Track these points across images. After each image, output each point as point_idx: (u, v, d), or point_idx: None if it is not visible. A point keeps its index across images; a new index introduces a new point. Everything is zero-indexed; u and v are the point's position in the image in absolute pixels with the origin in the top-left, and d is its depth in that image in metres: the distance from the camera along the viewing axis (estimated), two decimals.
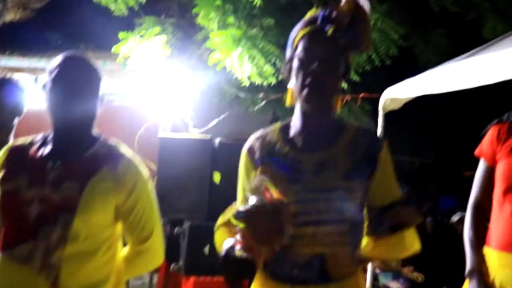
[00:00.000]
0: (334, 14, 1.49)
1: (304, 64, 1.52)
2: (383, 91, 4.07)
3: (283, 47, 5.66)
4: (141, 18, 5.21)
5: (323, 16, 1.51)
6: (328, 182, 1.53)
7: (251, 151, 1.65)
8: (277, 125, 1.67)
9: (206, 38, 4.91)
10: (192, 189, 4.92)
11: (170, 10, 5.95)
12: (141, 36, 4.89)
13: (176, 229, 5.12)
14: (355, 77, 4.74)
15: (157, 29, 4.98)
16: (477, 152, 2.10)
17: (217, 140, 5.04)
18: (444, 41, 6.15)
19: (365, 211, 1.60)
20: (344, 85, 4.61)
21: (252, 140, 1.67)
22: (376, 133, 1.77)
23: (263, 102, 6.02)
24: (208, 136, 5.20)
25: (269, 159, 1.59)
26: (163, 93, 5.47)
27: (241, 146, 5.82)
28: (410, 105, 4.07)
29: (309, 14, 1.59)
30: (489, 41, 4.82)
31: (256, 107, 6.01)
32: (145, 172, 1.82)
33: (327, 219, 1.51)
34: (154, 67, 4.97)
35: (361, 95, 4.70)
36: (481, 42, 4.92)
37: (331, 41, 1.50)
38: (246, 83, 4.74)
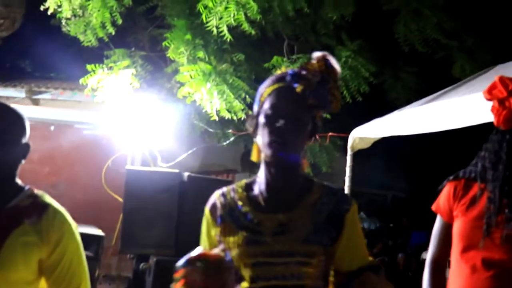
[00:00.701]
0: (303, 72, 1.48)
1: (270, 121, 1.47)
2: (355, 127, 4.13)
3: (253, 82, 5.75)
4: (111, 50, 5.21)
5: (293, 74, 1.49)
6: (288, 245, 1.47)
7: (213, 208, 1.60)
8: (243, 181, 1.64)
9: (176, 71, 4.93)
10: (159, 224, 4.85)
11: (140, 43, 5.98)
12: (110, 68, 4.88)
13: (141, 265, 5.01)
14: (326, 115, 4.78)
15: (127, 62, 4.99)
16: (434, 207, 2.11)
17: (185, 174, 5.01)
18: (414, 79, 6.31)
19: (331, 276, 1.55)
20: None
21: (215, 196, 1.62)
22: (344, 193, 1.67)
23: (233, 137, 6.04)
24: (176, 170, 5.17)
25: (230, 218, 1.55)
26: (132, 125, 5.44)
27: (211, 180, 5.84)
28: (383, 139, 4.15)
29: (278, 72, 1.59)
30: (458, 79, 4.98)
31: (227, 142, 6.01)
32: (72, 223, 1.71)
33: (287, 285, 1.47)
34: (123, 99, 4.94)
35: (329, 134, 4.76)
36: (450, 80, 5.08)
37: (300, 99, 1.47)
38: (215, 117, 4.75)
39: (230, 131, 5.78)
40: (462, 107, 3.04)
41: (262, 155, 1.53)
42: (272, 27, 5.33)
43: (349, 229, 1.53)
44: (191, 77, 4.67)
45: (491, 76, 4.27)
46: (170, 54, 4.76)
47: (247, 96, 4.90)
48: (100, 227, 5.18)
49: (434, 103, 3.52)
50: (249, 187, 1.60)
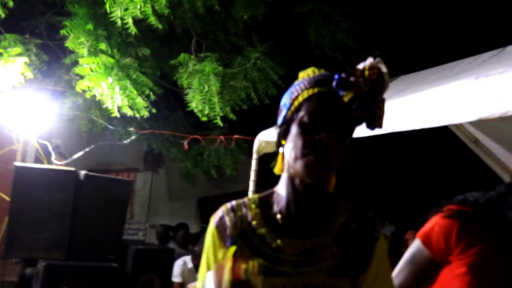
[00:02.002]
0: (352, 78, 1.29)
1: (308, 131, 1.28)
2: (261, 130, 4.12)
3: (158, 79, 5.58)
4: (1, 35, 4.82)
5: (340, 79, 1.29)
6: (313, 278, 1.30)
7: (221, 225, 1.39)
8: (255, 196, 1.44)
9: (75, 63, 4.67)
10: (51, 226, 4.62)
11: (36, 30, 5.61)
12: None
13: (28, 270, 4.71)
14: (231, 116, 4.77)
15: (19, 49, 4.64)
16: (421, 238, 1.87)
17: (82, 172, 4.79)
18: None
19: None
20: (220, 123, 4.69)
21: (222, 211, 1.42)
22: (372, 218, 1.44)
23: (134, 135, 5.84)
24: (72, 168, 4.92)
25: (242, 241, 1.35)
26: (24, 117, 5.08)
27: (110, 179, 5.55)
28: None
29: (311, 72, 1.39)
30: None
31: (128, 140, 5.80)
32: None
33: None
34: (13, 89, 4.59)
35: (235, 136, 4.74)
36: None
37: (345, 108, 1.28)
38: (117, 114, 4.55)
39: (132, 129, 5.58)
40: None
41: (287, 168, 1.34)
42: (181, 23, 5.23)
43: (378, 260, 1.37)
44: (91, 70, 4.45)
45: (396, 85, 4.49)
46: (69, 44, 4.50)
47: (151, 93, 4.75)
48: None
49: None
50: (264, 204, 1.41)
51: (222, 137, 4.95)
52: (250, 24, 5.47)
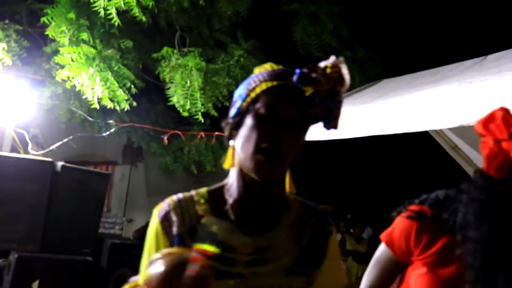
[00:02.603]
0: (314, 74, 1.23)
1: (263, 123, 1.21)
2: None
3: (140, 72, 5.53)
4: None
5: (301, 74, 1.24)
6: (267, 279, 1.24)
7: (166, 220, 1.29)
8: (203, 190, 1.35)
9: (56, 52, 4.60)
10: (25, 217, 4.55)
11: (17, 16, 5.51)
12: None
13: (0, 261, 4.64)
14: (213, 112, 4.75)
15: None
16: (384, 239, 1.86)
17: (59, 163, 4.72)
18: None
19: None
20: (201, 118, 4.67)
21: (168, 204, 1.32)
22: (324, 211, 1.41)
23: (114, 128, 5.78)
24: (49, 159, 4.85)
25: (191, 238, 1.26)
26: (1, 105, 4.99)
27: (87, 171, 5.47)
28: None
29: (269, 67, 1.32)
30: (349, 89, 5.19)
31: (108, 132, 5.74)
32: None
33: None
34: None
35: (216, 133, 4.71)
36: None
37: (304, 104, 1.23)
38: (96, 106, 4.50)
39: (112, 121, 5.52)
40: (348, 118, 3.13)
41: (238, 162, 1.26)
42: (165, 16, 5.20)
43: (331, 254, 1.35)
44: (72, 60, 4.39)
45: (379, 88, 4.52)
46: (49, 32, 4.43)
47: (132, 86, 4.71)
48: None
49: None
50: (214, 199, 1.32)
51: (202, 133, 4.92)
52: (235, 21, 5.47)
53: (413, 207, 1.78)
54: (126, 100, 4.64)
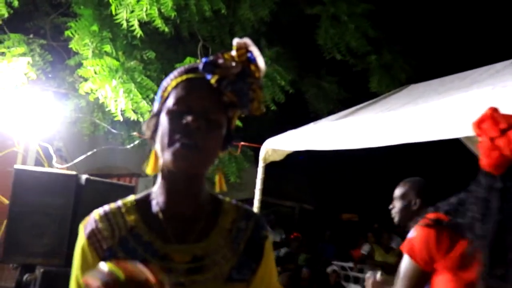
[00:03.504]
0: (220, 60, 1.21)
1: (174, 117, 1.20)
2: (268, 137, 4.08)
3: None
4: (5, 34, 4.83)
5: (206, 62, 1.22)
6: (207, 287, 1.23)
7: (93, 236, 1.25)
8: (131, 199, 1.32)
9: (79, 64, 4.67)
10: (50, 230, 4.58)
11: (41, 30, 5.62)
12: (2, 54, 4.52)
13: (26, 276, 4.68)
14: (237, 122, 4.73)
15: (22, 48, 4.65)
16: (406, 251, 1.89)
17: (83, 177, 4.76)
18: (335, 88, 6.43)
19: None
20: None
21: (94, 219, 1.27)
22: (259, 215, 1.40)
23: (138, 140, 5.83)
24: (73, 172, 4.90)
25: (124, 251, 1.22)
26: (26, 119, 5.08)
27: (111, 184, 5.52)
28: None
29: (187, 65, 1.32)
30: (375, 93, 5.15)
31: (131, 144, 5.79)
32: None
33: None
34: (16, 89, 4.60)
35: (241, 143, 4.69)
36: (369, 92, 5.24)
37: (214, 92, 1.21)
38: (120, 118, 4.54)
39: (135, 133, 5.56)
40: (375, 126, 3.09)
41: (161, 165, 1.24)
42: (187, 26, 5.23)
43: (267, 259, 1.34)
44: (95, 72, 4.45)
45: (407, 94, 4.47)
46: (73, 45, 4.50)
47: (155, 97, 4.72)
48: None
49: (348, 118, 3.58)
50: (142, 207, 1.28)
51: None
52: (258, 28, 5.47)
53: (430, 215, 1.83)
54: (149, 112, 4.67)
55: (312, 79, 6.58)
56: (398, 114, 3.45)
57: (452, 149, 5.85)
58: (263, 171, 4.02)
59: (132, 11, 4.12)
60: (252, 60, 1.23)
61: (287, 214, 15.12)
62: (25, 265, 4.68)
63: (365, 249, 9.03)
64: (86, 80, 4.56)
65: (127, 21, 4.17)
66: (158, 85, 4.32)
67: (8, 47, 4.63)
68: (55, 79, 5.64)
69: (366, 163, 12.76)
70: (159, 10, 4.13)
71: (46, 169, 5.29)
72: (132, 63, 4.63)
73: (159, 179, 1.28)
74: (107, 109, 4.77)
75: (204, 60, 1.23)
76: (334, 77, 6.60)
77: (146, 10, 4.05)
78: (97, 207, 4.49)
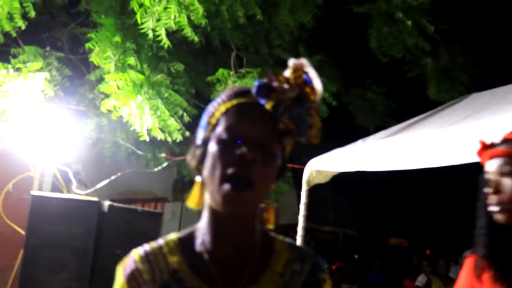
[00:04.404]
0: (275, 83, 1.21)
1: (226, 148, 1.19)
2: (310, 157, 4.08)
3: (192, 98, 5.63)
4: (19, 48, 4.99)
5: (260, 85, 1.21)
6: None
7: (133, 279, 1.26)
8: (174, 237, 1.33)
9: (100, 79, 4.78)
10: (71, 264, 4.68)
11: (58, 42, 5.78)
12: (17, 70, 4.66)
13: None
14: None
15: (39, 63, 4.79)
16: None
17: (106, 203, 4.85)
18: (383, 100, 6.39)
19: None
20: None
21: (133, 261, 1.28)
22: (316, 256, 1.39)
23: (166, 162, 5.90)
24: (95, 198, 4.99)
25: None
26: (42, 140, 5.21)
27: (137, 211, 5.60)
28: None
29: (232, 87, 1.33)
30: (434, 102, 5.08)
31: (159, 167, 5.87)
32: None
33: None
34: (32, 108, 4.73)
35: None
36: (425, 102, 5.18)
37: (269, 119, 1.21)
38: (146, 137, 4.61)
39: (163, 155, 5.64)
40: (433, 143, 3.07)
41: (208, 200, 1.24)
42: (219, 35, 5.29)
43: None
44: (118, 87, 4.54)
45: (467, 105, 4.42)
46: (94, 58, 4.61)
47: (184, 114, 4.81)
48: None
49: (401, 135, 3.56)
50: (186, 247, 1.30)
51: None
52: (297, 35, 5.50)
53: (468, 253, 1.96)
54: (178, 130, 4.74)
55: (357, 90, 6.57)
56: (458, 129, 3.42)
57: None
58: (307, 195, 4.02)
59: (158, 19, 4.20)
60: (308, 82, 1.23)
61: (329, 241, 15.05)
62: None
63: (420, 280, 8.84)
64: (108, 96, 4.65)
65: (153, 30, 4.25)
66: (187, 100, 4.38)
67: (24, 62, 4.77)
68: (74, 96, 5.76)
69: (416, 182, 12.59)
70: (188, 17, 4.19)
71: (65, 195, 5.40)
72: (158, 76, 4.71)
73: (204, 215, 1.28)
74: (131, 128, 4.85)
75: (257, 83, 1.23)
76: (382, 88, 6.57)
77: (175, 18, 4.12)
78: (121, 236, 4.57)
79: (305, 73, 1.23)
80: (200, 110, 5.62)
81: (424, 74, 5.93)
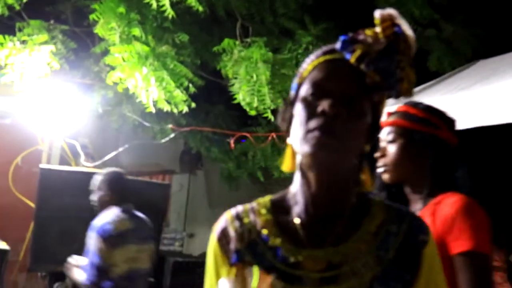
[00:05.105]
0: (361, 36, 1.19)
1: (311, 104, 1.17)
2: None
3: (198, 69, 5.61)
4: (24, 21, 4.95)
5: (345, 40, 1.19)
6: None
7: (223, 236, 1.29)
8: (266, 199, 1.33)
9: (106, 52, 4.75)
10: (80, 235, 4.69)
11: (62, 15, 5.74)
12: (23, 42, 4.63)
13: (56, 285, 4.84)
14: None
15: (44, 36, 4.75)
16: None
17: None
18: None
19: None
20: (272, 116, 4.64)
21: (226, 219, 1.32)
22: (417, 216, 1.29)
23: (172, 134, 5.90)
24: (103, 170, 5.02)
25: (251, 255, 1.24)
26: (49, 114, 5.22)
27: (146, 183, 5.66)
28: None
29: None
30: (435, 73, 5.05)
31: (165, 139, 5.87)
32: None
33: None
34: (38, 81, 4.71)
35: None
36: (426, 74, 5.14)
37: (355, 74, 1.17)
38: (152, 109, 4.60)
39: (170, 126, 5.63)
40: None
41: (298, 160, 1.23)
42: (224, 4, 5.23)
43: (429, 270, 1.21)
44: (123, 59, 4.52)
45: (474, 72, 4.38)
46: (98, 30, 4.57)
47: (190, 85, 4.79)
48: (4, 238, 4.95)
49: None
50: (277, 208, 1.29)
51: (273, 134, 4.90)
52: (302, 3, 5.43)
53: None
54: (184, 101, 4.72)
55: None
56: (469, 94, 3.40)
57: None
58: None
59: None
60: (400, 35, 1.18)
61: None
62: (54, 273, 4.84)
63: None
64: (113, 68, 4.63)
65: (157, 0, 4.21)
66: (192, 71, 4.35)
67: (29, 35, 4.73)
68: (79, 69, 5.74)
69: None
70: None
71: (74, 168, 5.43)
72: (163, 48, 4.67)
73: (295, 178, 1.26)
74: (137, 100, 4.84)
75: (342, 37, 1.21)
76: None
77: None
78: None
79: (396, 25, 1.19)
80: (206, 81, 5.63)
81: (424, 46, 5.86)
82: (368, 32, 1.19)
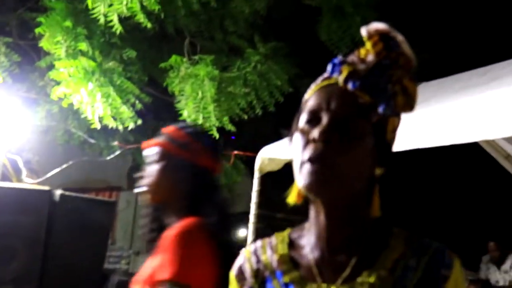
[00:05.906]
0: (351, 58, 1.14)
1: (304, 134, 1.13)
2: (266, 144, 4.10)
3: (145, 86, 5.57)
4: None
5: (334, 63, 1.15)
6: None
7: (240, 273, 1.27)
8: (285, 232, 1.29)
9: (51, 66, 4.67)
10: (21, 254, 4.59)
11: (6, 27, 5.63)
12: None
13: None
14: (229, 126, 4.75)
15: None
16: None
17: (58, 192, 4.78)
18: None
19: None
20: (216, 134, 4.67)
21: (243, 257, 1.29)
22: (440, 248, 1.16)
23: (119, 150, 5.84)
24: (46, 187, 4.91)
25: None
26: None
27: (89, 200, 5.55)
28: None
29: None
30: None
31: (112, 155, 5.80)
32: None
33: None
34: None
35: (234, 152, 4.70)
36: None
37: (347, 96, 1.12)
38: (98, 125, 4.55)
39: (116, 143, 5.57)
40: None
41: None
42: (173, 22, 5.23)
43: None
44: (69, 74, 4.45)
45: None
46: (44, 44, 4.50)
47: (137, 102, 4.75)
48: None
49: None
50: (294, 242, 1.25)
51: (236, 152, 4.90)
52: (252, 22, 5.49)
53: None
54: (131, 118, 4.68)
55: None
56: (408, 116, 3.47)
57: (469, 154, 5.89)
58: (259, 182, 4.05)
59: (110, 5, 4.11)
60: (393, 47, 1.12)
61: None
62: None
63: None
64: (58, 83, 4.55)
65: (105, 16, 4.17)
66: (140, 88, 4.33)
67: None
68: (24, 83, 5.64)
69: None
70: (141, 3, 4.12)
71: (15, 185, 5.29)
72: (110, 63, 4.64)
73: (310, 210, 1.22)
74: (82, 116, 4.77)
75: (332, 60, 1.16)
76: None
77: (127, 4, 4.05)
78: (73, 226, 4.50)
79: (388, 38, 1.12)
80: (155, 98, 5.61)
81: None
82: (362, 51, 1.14)
